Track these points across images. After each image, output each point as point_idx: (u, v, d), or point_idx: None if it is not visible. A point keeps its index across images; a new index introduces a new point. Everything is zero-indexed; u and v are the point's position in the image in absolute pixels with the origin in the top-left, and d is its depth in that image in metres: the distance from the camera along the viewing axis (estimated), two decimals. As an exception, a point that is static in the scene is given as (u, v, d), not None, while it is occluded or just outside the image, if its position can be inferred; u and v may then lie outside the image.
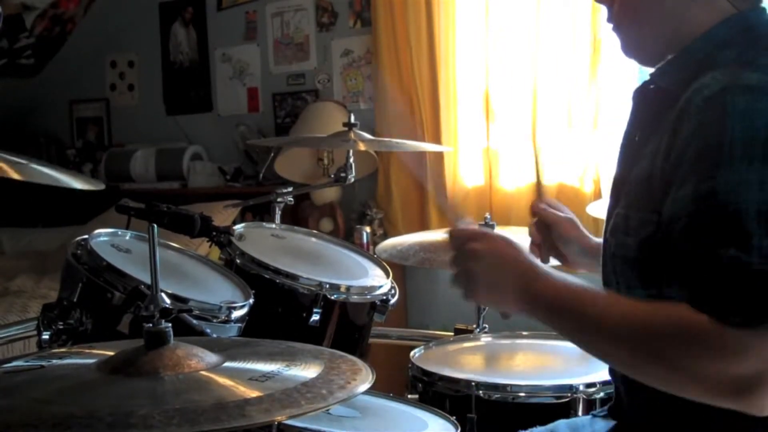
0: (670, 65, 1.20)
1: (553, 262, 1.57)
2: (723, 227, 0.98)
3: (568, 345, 2.01)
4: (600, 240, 1.48)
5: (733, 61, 1.09)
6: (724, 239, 0.97)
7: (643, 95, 1.25)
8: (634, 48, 1.25)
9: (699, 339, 0.97)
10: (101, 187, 1.64)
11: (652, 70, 1.25)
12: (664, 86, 1.19)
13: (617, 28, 1.25)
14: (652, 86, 1.23)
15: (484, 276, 1.19)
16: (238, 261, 1.84)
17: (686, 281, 1.02)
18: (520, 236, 1.62)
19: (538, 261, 1.19)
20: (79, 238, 1.65)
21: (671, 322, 1.00)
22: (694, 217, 1.01)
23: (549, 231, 1.54)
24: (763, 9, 1.18)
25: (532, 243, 1.56)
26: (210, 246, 1.98)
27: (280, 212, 2.24)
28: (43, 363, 1.13)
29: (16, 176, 1.34)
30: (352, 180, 2.27)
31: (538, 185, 1.53)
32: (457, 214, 1.49)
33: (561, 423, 1.48)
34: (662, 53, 1.21)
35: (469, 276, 1.20)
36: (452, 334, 2.26)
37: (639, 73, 2.69)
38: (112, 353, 1.11)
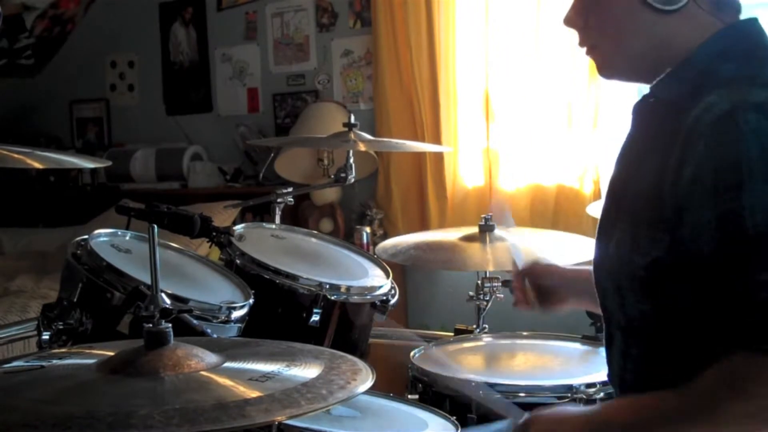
0: (670, 77, 1.19)
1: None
2: (751, 250, 0.98)
3: (568, 345, 2.02)
4: (575, 267, 1.52)
5: (734, 76, 1.09)
6: (753, 264, 0.98)
7: (643, 109, 1.24)
8: (613, 69, 1.24)
9: (744, 379, 0.98)
10: (108, 164, 1.67)
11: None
12: (665, 98, 1.19)
13: (592, 50, 1.24)
14: (652, 99, 1.22)
15: None
16: (238, 261, 1.84)
17: (718, 316, 1.02)
18: (520, 236, 1.63)
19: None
20: (79, 238, 1.65)
21: (714, 380, 1.01)
22: (721, 241, 1.01)
23: (525, 280, 1.60)
24: (755, 19, 1.19)
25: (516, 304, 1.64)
26: (210, 246, 1.98)
27: (280, 212, 2.24)
28: (43, 363, 1.13)
29: (36, 165, 1.37)
30: (352, 180, 2.27)
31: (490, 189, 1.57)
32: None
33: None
34: (648, 70, 1.21)
35: None
36: (452, 334, 2.26)
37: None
38: (112, 353, 1.11)
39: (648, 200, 1.13)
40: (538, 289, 1.60)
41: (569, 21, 1.25)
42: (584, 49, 1.25)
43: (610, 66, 1.24)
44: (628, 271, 1.16)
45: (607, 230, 1.23)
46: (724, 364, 1.01)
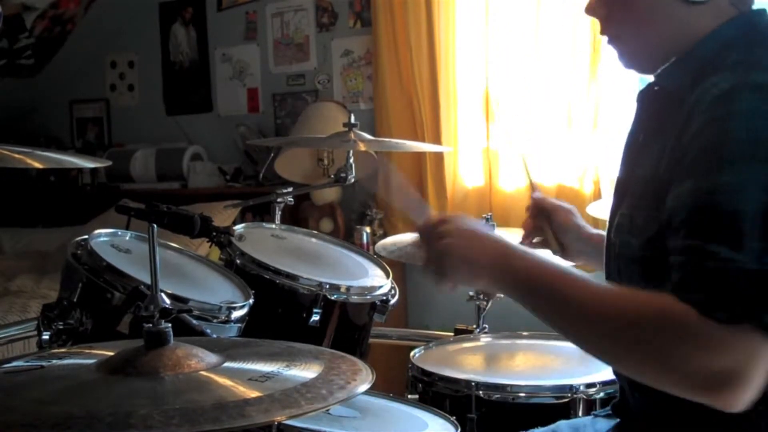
0: (675, 67, 1.19)
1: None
2: (719, 226, 0.98)
3: (569, 345, 2.01)
4: (598, 231, 1.50)
5: (740, 62, 1.09)
6: (718, 237, 0.98)
7: (647, 97, 1.25)
8: (634, 59, 1.24)
9: (681, 329, 0.97)
10: (108, 164, 1.67)
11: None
12: (669, 88, 1.19)
13: (614, 40, 1.24)
14: (656, 88, 1.23)
15: (457, 250, 1.17)
16: (238, 261, 1.84)
17: (677, 272, 1.02)
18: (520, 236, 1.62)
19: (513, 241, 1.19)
20: (79, 238, 1.65)
21: (655, 309, 1.00)
22: (692, 213, 1.02)
23: (548, 220, 1.56)
24: (764, 10, 1.18)
25: (525, 237, 1.58)
26: (210, 246, 1.98)
27: (280, 212, 2.24)
28: (43, 363, 1.13)
29: (36, 165, 1.37)
30: (352, 180, 2.27)
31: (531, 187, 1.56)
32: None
33: (562, 423, 1.48)
34: (663, 59, 1.21)
35: (440, 255, 1.18)
36: (452, 334, 2.26)
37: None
38: (112, 353, 1.11)
39: (647, 185, 1.14)
40: (554, 235, 1.57)
41: (591, 10, 1.25)
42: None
43: (631, 57, 1.24)
44: (626, 254, 1.18)
45: (612, 218, 1.24)
46: (671, 303, 0.98)
